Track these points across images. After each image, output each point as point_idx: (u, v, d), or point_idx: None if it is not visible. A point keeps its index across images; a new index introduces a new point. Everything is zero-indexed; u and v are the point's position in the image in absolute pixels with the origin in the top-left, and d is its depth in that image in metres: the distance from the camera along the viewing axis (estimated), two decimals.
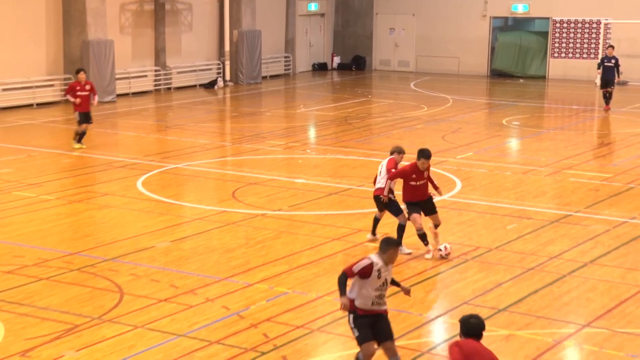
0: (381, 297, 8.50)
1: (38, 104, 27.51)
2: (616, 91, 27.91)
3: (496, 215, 15.34)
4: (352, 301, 8.47)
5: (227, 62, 33.90)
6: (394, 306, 10.32)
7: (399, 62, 39.46)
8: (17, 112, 26.37)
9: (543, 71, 36.89)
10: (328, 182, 17.71)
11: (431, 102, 29.62)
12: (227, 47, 33.87)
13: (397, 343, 8.81)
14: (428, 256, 12.75)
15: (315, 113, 27.73)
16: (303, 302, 11.03)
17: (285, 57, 37.50)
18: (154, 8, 31.17)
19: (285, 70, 37.42)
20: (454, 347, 7.19)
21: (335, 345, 9.83)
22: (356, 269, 8.39)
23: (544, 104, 31.27)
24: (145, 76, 30.72)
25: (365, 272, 8.38)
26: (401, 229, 12.88)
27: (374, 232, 13.59)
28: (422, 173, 12.71)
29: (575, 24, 36.14)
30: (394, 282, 8.78)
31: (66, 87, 27.89)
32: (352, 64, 39.78)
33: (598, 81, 27.73)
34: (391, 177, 12.75)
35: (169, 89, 31.91)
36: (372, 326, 8.48)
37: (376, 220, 13.56)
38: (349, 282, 8.53)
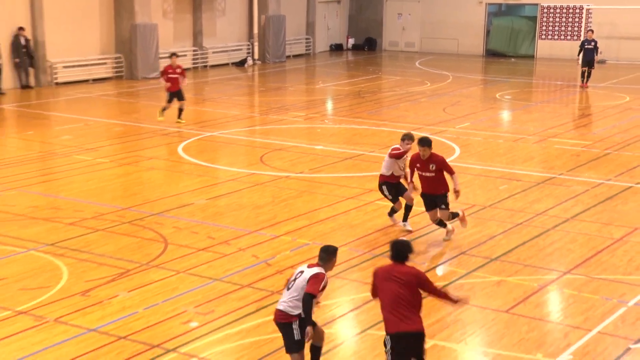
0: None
1: (94, 80, 27.54)
2: (595, 69, 27.59)
3: (490, 177, 15.30)
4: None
5: (256, 43, 33.72)
6: None
7: (406, 44, 39.13)
8: (76, 87, 26.41)
9: (532, 51, 36.49)
10: (343, 148, 17.68)
11: (434, 78, 29.39)
12: (255, 30, 33.69)
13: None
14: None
15: (332, 88, 27.60)
16: None
17: (306, 38, 37.25)
18: None
19: (306, 50, 37.18)
20: (372, 274, 7.10)
21: (349, 289, 9.89)
22: (320, 287, 7.24)
23: (532, 80, 30.97)
24: (185, 55, 30.60)
25: (325, 285, 7.40)
26: (408, 208, 11.97)
27: (405, 219, 12.02)
28: (425, 163, 11.18)
29: (560, 10, 35.70)
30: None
31: (118, 64, 28.19)
32: (364, 45, 39.49)
33: (580, 61, 27.45)
34: (391, 155, 11.75)
35: (205, 66, 31.83)
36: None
37: (407, 208, 11.94)
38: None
